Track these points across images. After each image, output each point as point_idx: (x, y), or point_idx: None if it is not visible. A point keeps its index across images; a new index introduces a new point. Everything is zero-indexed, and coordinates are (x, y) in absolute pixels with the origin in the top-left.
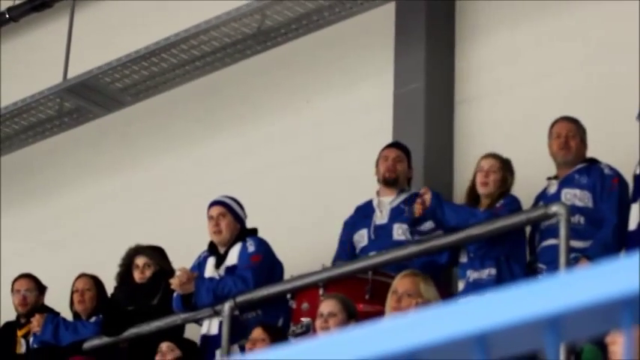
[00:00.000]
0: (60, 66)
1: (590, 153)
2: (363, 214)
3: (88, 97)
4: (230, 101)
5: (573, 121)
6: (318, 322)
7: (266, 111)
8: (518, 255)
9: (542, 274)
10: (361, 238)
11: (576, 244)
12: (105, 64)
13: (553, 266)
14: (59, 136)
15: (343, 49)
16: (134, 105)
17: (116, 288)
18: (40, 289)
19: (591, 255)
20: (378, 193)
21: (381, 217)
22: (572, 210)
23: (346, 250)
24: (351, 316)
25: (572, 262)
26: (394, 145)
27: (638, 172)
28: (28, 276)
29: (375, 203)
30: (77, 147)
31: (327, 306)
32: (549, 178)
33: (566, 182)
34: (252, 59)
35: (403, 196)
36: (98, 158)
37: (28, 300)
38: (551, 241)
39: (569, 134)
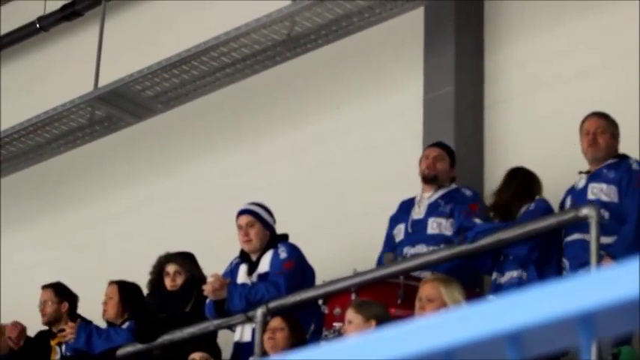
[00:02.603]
0: (91, 74)
1: (622, 152)
2: (405, 209)
3: (119, 105)
4: (260, 108)
5: (603, 117)
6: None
7: (297, 117)
8: (550, 259)
9: (566, 269)
10: (399, 232)
11: (601, 239)
12: (136, 72)
13: (577, 261)
14: (91, 145)
15: (373, 54)
16: (165, 113)
17: (148, 295)
18: (63, 298)
19: (614, 253)
20: (422, 190)
21: (418, 212)
22: (598, 204)
23: (390, 244)
24: (369, 317)
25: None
26: (436, 144)
27: None
28: (48, 286)
29: (417, 199)
30: (108, 155)
31: (346, 315)
32: (581, 172)
33: (594, 177)
34: (282, 66)
35: (442, 192)
36: (129, 166)
37: (46, 310)
38: (576, 236)
39: (598, 130)
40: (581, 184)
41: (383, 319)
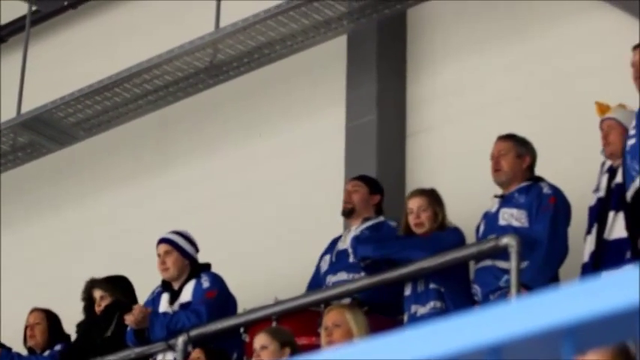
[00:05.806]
0: (14, 100)
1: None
2: (333, 243)
3: (42, 132)
4: (183, 135)
5: (507, 138)
6: (253, 358)
7: (219, 144)
8: (465, 288)
9: (478, 296)
10: (324, 263)
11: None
12: (58, 99)
13: (487, 288)
14: (14, 171)
15: (295, 82)
16: (88, 139)
17: (82, 322)
18: None
19: (524, 279)
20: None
21: (343, 244)
22: (508, 230)
23: (316, 280)
24: (285, 344)
25: (504, 286)
26: (355, 177)
27: (593, 203)
28: None
29: (344, 233)
30: (32, 181)
31: (257, 341)
32: (496, 196)
33: (505, 201)
34: (205, 93)
35: (368, 223)
36: (55, 191)
37: None
38: (486, 263)
39: (501, 153)
40: (494, 208)
41: (295, 346)
